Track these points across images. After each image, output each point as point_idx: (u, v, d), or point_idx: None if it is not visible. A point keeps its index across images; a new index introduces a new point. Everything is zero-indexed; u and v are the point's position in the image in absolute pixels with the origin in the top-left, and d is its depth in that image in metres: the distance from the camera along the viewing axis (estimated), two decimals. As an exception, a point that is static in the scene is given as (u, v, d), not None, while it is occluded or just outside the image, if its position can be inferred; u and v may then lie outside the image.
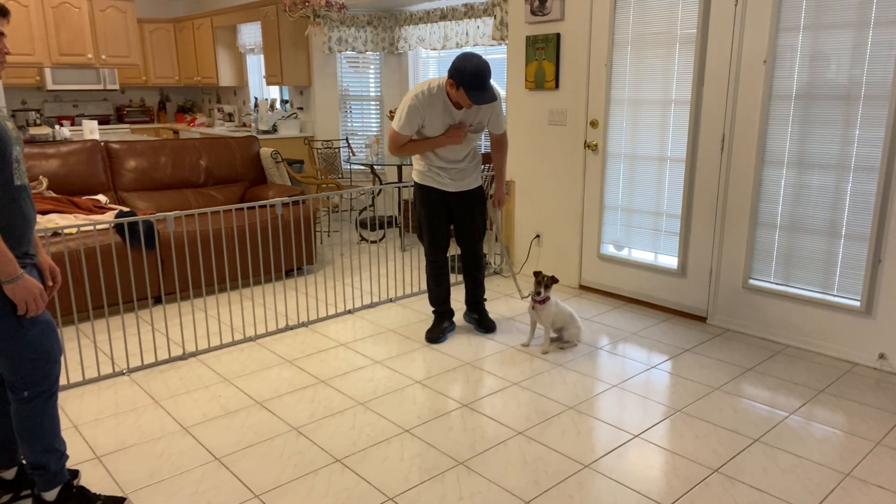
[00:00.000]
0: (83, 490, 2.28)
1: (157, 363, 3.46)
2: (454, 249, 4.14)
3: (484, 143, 3.79)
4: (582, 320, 3.89)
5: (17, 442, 2.19)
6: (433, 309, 3.87)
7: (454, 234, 3.79)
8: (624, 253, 4.38)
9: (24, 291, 1.97)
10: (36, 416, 2.12)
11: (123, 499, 2.33)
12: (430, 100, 3.33)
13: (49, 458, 2.17)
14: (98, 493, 2.33)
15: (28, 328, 2.03)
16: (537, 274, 3.54)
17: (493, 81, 3.30)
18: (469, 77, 3.15)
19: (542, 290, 3.51)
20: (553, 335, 3.69)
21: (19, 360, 2.04)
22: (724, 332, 3.87)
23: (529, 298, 3.59)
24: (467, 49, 6.22)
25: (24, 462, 2.31)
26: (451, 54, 6.60)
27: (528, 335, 3.72)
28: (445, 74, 3.37)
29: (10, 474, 2.33)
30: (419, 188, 3.64)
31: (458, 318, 4.05)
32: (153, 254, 4.18)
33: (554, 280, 3.53)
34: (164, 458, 2.58)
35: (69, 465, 2.50)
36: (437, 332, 3.77)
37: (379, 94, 7.26)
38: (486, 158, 4.33)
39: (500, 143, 3.67)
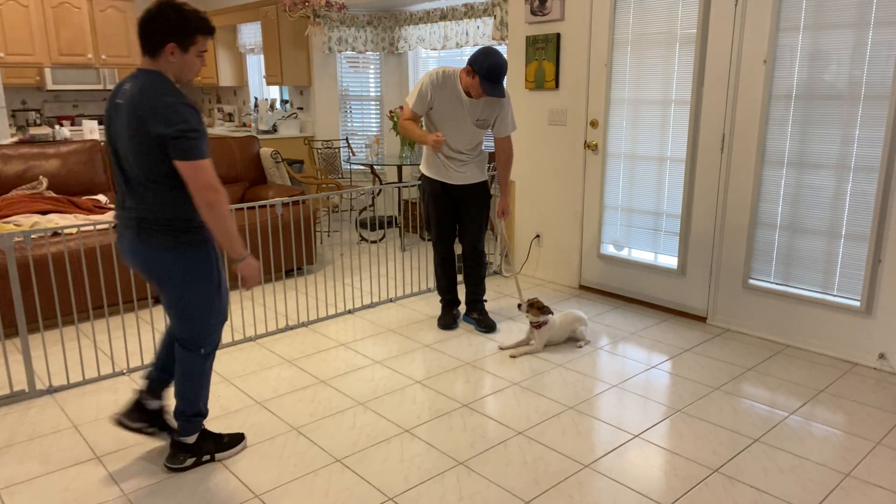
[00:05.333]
0: (209, 431, 2.56)
1: (157, 363, 3.46)
2: (458, 248, 4.16)
3: (488, 143, 3.85)
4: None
5: (176, 393, 2.44)
6: (440, 298, 3.97)
7: (458, 230, 3.83)
8: (624, 253, 4.38)
9: (251, 269, 2.30)
10: (206, 369, 2.44)
11: (243, 435, 2.63)
12: (444, 81, 3.47)
13: (200, 406, 2.46)
14: (219, 432, 2.61)
15: (221, 295, 2.36)
16: (532, 305, 3.53)
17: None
18: (487, 68, 3.30)
19: (541, 316, 3.54)
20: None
21: (207, 322, 2.36)
22: (724, 332, 3.87)
23: (524, 312, 3.58)
24: (467, 49, 6.23)
25: (160, 409, 2.57)
26: (451, 54, 6.60)
27: (515, 342, 3.67)
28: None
29: (154, 405, 2.56)
30: (426, 180, 3.74)
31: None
32: (153, 254, 4.18)
33: (546, 310, 3.54)
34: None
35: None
36: (450, 319, 3.91)
37: (379, 94, 7.27)
38: (492, 157, 4.35)
39: (505, 151, 3.73)
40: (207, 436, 2.54)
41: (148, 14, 2.15)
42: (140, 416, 2.51)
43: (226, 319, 2.45)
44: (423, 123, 3.65)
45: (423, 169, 3.74)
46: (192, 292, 2.30)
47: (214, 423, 2.85)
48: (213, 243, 2.32)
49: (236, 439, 2.62)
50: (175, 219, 2.22)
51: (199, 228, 2.26)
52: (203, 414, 2.50)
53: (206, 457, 2.53)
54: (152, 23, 2.14)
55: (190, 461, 2.49)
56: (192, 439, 2.50)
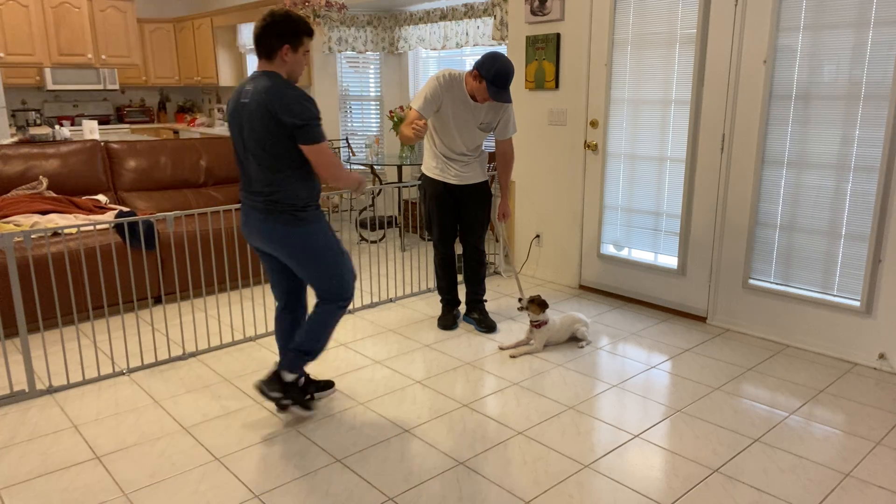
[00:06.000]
0: (303, 385, 2.88)
1: (157, 363, 3.46)
2: (458, 248, 4.17)
3: (488, 143, 3.86)
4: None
5: (303, 332, 2.74)
6: (441, 298, 3.98)
7: (458, 230, 3.83)
8: (624, 253, 4.38)
9: (354, 181, 2.73)
10: (336, 318, 2.77)
11: (332, 382, 3.07)
12: (450, 84, 3.47)
13: (318, 348, 2.77)
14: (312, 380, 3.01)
15: (344, 255, 2.75)
16: (533, 301, 3.54)
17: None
18: (495, 73, 3.31)
19: (542, 314, 3.55)
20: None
21: (342, 278, 2.73)
22: (724, 332, 3.87)
23: (524, 311, 3.58)
24: (468, 49, 6.23)
25: (294, 381, 2.84)
26: (451, 54, 6.60)
27: (515, 342, 3.66)
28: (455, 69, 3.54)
29: (290, 377, 2.81)
30: (427, 180, 3.74)
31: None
32: (153, 254, 4.18)
33: (545, 305, 3.55)
34: (164, 458, 2.58)
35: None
36: (450, 320, 3.91)
37: (379, 94, 7.27)
38: (492, 157, 4.36)
39: (505, 154, 3.74)
40: (300, 387, 2.83)
41: (263, 23, 2.52)
42: (278, 385, 2.79)
43: (356, 276, 2.82)
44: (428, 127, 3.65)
45: (425, 169, 3.74)
46: (322, 258, 2.67)
47: (214, 422, 2.85)
48: (324, 217, 2.72)
49: (310, 405, 2.90)
50: (297, 200, 2.59)
51: (313, 207, 2.67)
52: (313, 354, 2.78)
53: (288, 401, 2.80)
54: (268, 30, 2.51)
55: (277, 395, 2.77)
56: (290, 377, 2.76)
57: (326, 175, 2.58)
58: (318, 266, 2.69)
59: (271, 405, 3.00)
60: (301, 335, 2.75)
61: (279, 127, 2.47)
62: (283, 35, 2.51)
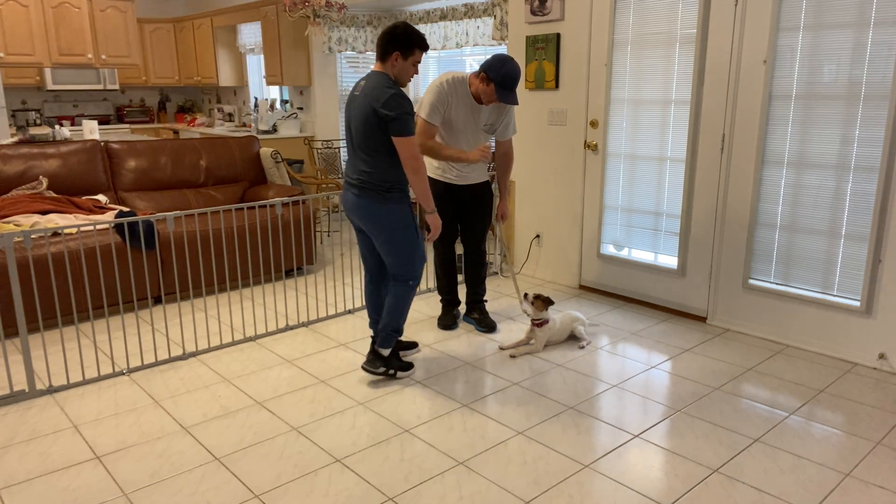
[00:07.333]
0: (398, 353, 3.32)
1: (157, 363, 3.46)
2: (458, 248, 4.17)
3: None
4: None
5: (385, 312, 3.14)
6: (441, 298, 3.98)
7: (459, 230, 3.82)
8: (624, 253, 4.38)
9: (436, 221, 3.10)
10: (409, 296, 3.15)
11: (412, 364, 3.32)
12: (455, 87, 3.45)
13: (400, 324, 3.17)
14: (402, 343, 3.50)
15: (419, 240, 3.09)
16: (539, 297, 3.53)
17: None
18: (503, 76, 3.32)
19: (543, 313, 3.55)
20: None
21: (413, 259, 3.09)
22: (724, 332, 3.87)
23: (525, 310, 3.57)
24: (468, 49, 6.23)
25: (392, 351, 3.24)
26: (451, 54, 6.60)
27: (515, 342, 3.66)
28: (452, 71, 3.52)
29: (386, 352, 3.21)
30: (429, 180, 3.69)
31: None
32: (153, 254, 4.18)
33: (550, 301, 3.55)
34: (164, 458, 2.58)
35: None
36: (450, 319, 3.92)
37: (379, 94, 7.25)
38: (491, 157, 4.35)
39: (506, 155, 3.74)
40: (396, 355, 3.27)
41: (386, 30, 2.93)
42: (380, 362, 3.19)
43: (425, 259, 3.15)
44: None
45: (427, 170, 3.72)
46: (399, 237, 3.03)
47: (214, 422, 2.85)
48: (408, 203, 3.04)
49: (410, 365, 3.30)
50: (384, 181, 2.96)
51: (399, 190, 3.00)
52: (400, 331, 3.19)
53: (392, 371, 3.22)
54: (386, 37, 2.92)
55: (382, 369, 3.20)
56: (387, 352, 3.19)
57: (406, 165, 2.91)
58: (394, 242, 3.04)
59: (271, 405, 3.01)
60: (385, 318, 3.14)
61: (377, 118, 2.86)
62: (396, 43, 2.90)
